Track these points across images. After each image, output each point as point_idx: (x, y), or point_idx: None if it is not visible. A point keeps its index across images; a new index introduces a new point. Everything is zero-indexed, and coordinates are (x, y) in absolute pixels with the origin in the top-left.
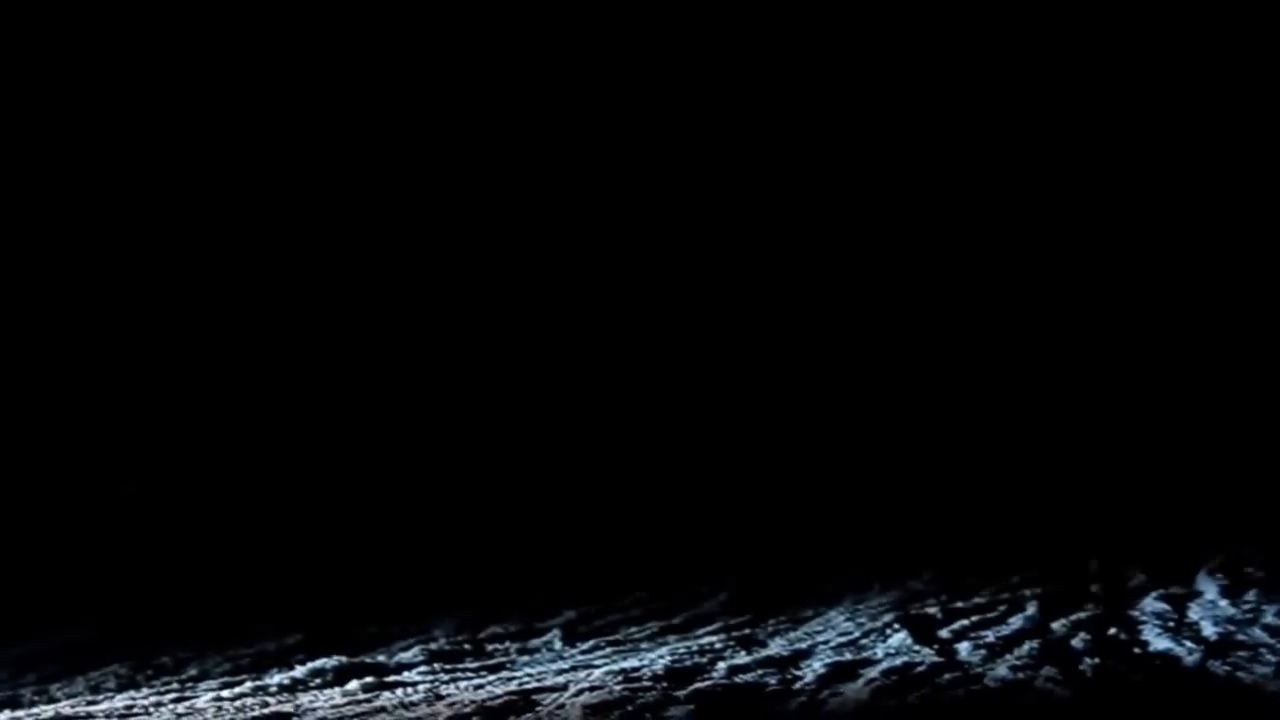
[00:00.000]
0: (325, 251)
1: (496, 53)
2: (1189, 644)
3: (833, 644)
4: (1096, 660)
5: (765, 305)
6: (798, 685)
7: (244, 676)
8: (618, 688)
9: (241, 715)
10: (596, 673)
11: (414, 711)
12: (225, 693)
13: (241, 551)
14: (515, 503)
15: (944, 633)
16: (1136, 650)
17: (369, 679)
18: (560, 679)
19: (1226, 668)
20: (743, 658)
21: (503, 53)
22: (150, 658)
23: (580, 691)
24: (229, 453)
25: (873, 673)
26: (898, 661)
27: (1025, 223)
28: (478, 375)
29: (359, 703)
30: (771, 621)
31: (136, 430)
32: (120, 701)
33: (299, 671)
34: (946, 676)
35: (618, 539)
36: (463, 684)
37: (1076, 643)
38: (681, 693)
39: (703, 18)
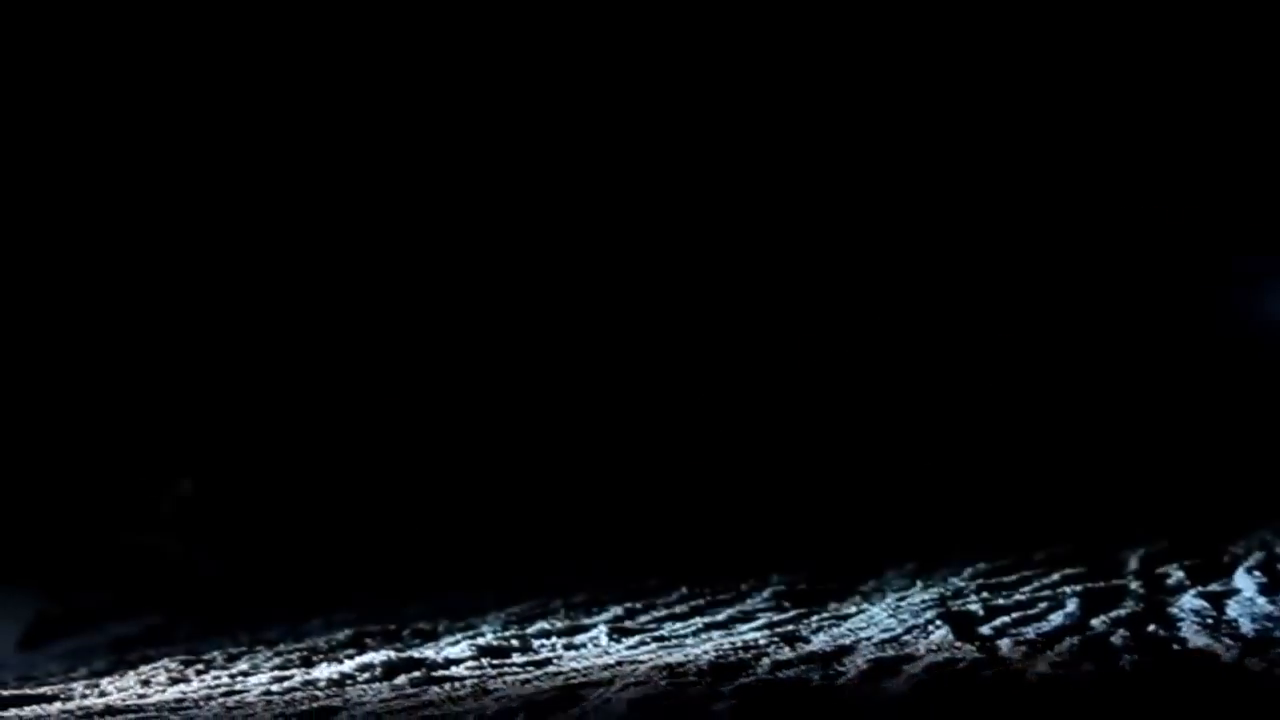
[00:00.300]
0: (363, 258)
1: (496, 53)
2: (1227, 640)
3: (875, 640)
4: (1135, 657)
5: (803, 307)
6: (841, 681)
7: (293, 671)
8: (663, 683)
9: (290, 709)
10: (642, 668)
11: (461, 705)
12: (275, 687)
13: (291, 548)
14: (562, 502)
15: (985, 629)
16: (1175, 647)
17: (417, 673)
18: (606, 674)
19: (1264, 664)
20: (786, 654)
21: (503, 53)
22: (200, 652)
23: (626, 686)
24: (280, 452)
25: (915, 669)
26: (939, 658)
27: (1049, 216)
28: (521, 378)
29: (407, 697)
30: (814, 618)
31: (190, 429)
32: (170, 694)
33: (348, 666)
34: (988, 673)
35: (662, 537)
36: (509, 679)
37: (1115, 640)
38: (726, 688)
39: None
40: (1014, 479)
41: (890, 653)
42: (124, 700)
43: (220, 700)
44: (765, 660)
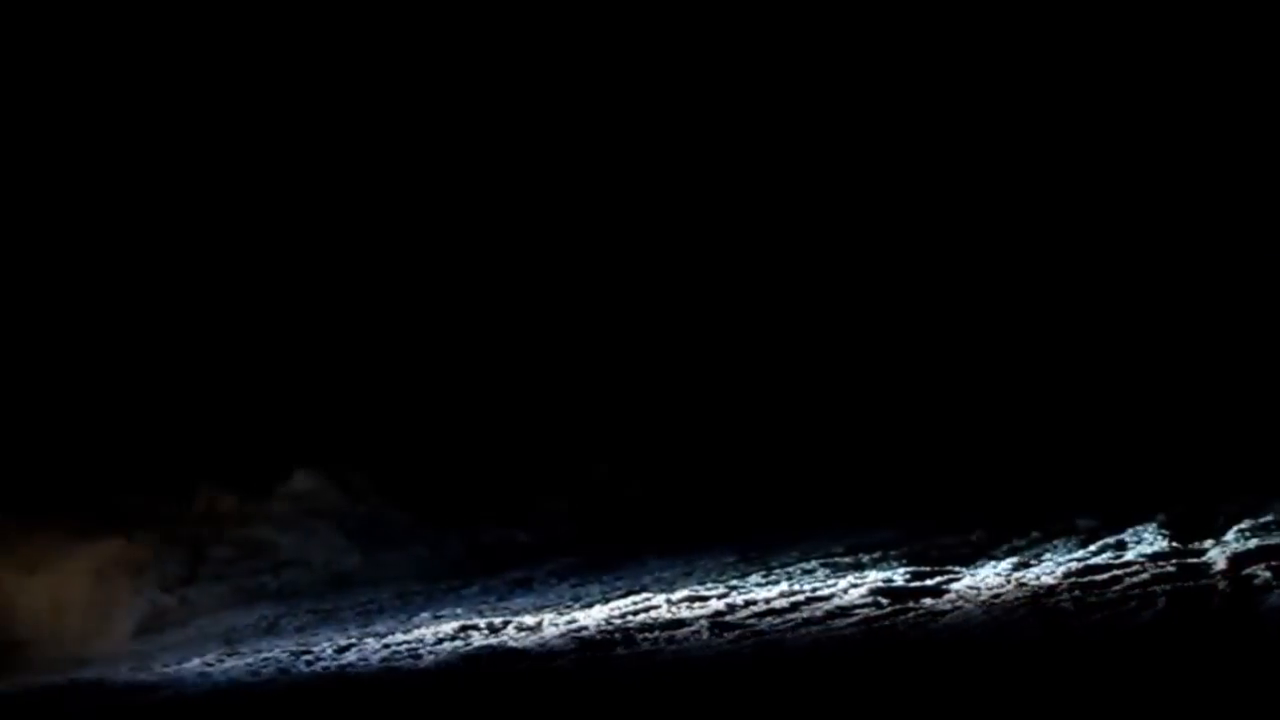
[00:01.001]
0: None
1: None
2: None
3: (970, 637)
4: (1221, 655)
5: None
6: (935, 678)
7: (401, 662)
8: (762, 676)
9: (397, 698)
10: (742, 662)
11: (567, 696)
12: (384, 677)
13: (400, 543)
14: (661, 500)
15: (1076, 627)
16: (1260, 646)
17: (520, 666)
18: (706, 667)
19: None
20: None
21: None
22: (310, 644)
23: (726, 679)
24: (389, 449)
25: (1008, 666)
26: (1031, 654)
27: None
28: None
29: (512, 689)
30: (910, 615)
31: (304, 427)
32: (280, 684)
33: (453, 658)
34: (1078, 670)
35: (762, 531)
36: (612, 671)
37: (1202, 637)
38: (823, 682)
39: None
40: (1107, 479)
41: (984, 650)
42: (234, 687)
43: (329, 689)
44: (861, 655)
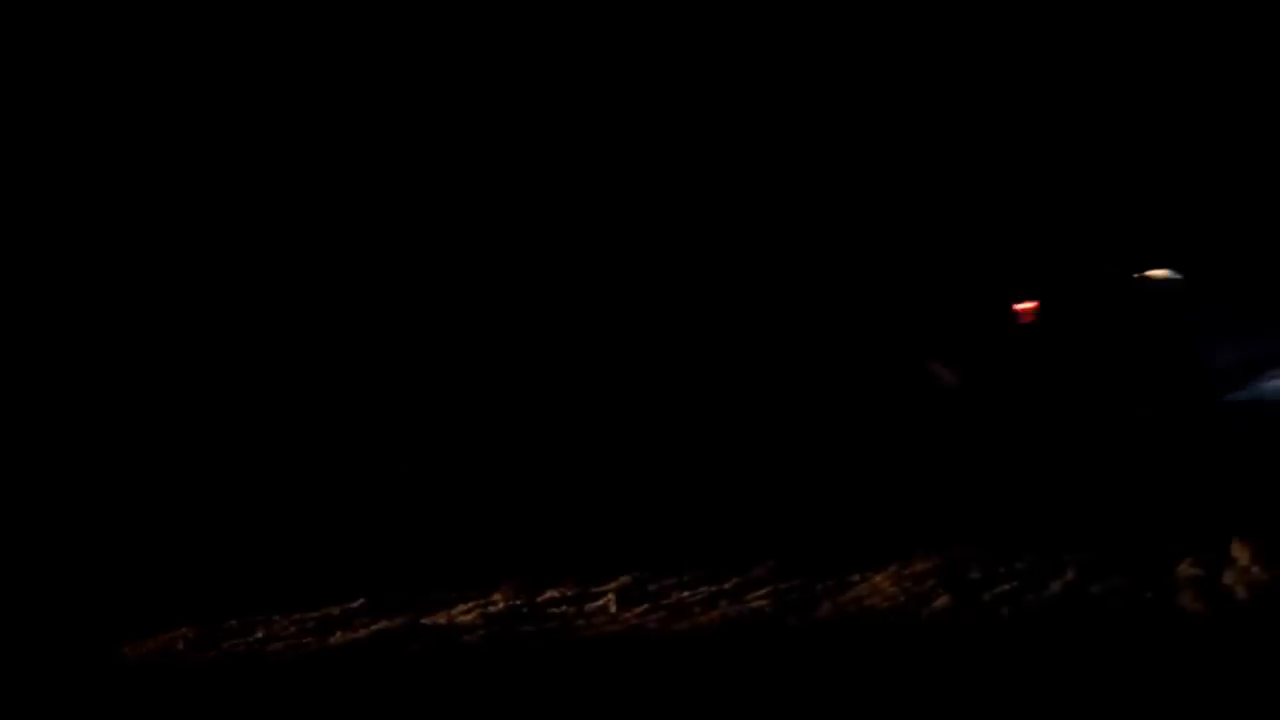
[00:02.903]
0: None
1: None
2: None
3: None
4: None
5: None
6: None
7: (308, 639)
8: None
9: (307, 676)
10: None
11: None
12: (290, 655)
13: (309, 523)
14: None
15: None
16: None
17: (428, 640)
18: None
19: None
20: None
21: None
22: (221, 621)
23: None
24: (295, 432)
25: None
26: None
27: None
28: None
29: (417, 663)
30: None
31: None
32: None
33: (362, 634)
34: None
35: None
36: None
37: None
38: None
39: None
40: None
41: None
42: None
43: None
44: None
